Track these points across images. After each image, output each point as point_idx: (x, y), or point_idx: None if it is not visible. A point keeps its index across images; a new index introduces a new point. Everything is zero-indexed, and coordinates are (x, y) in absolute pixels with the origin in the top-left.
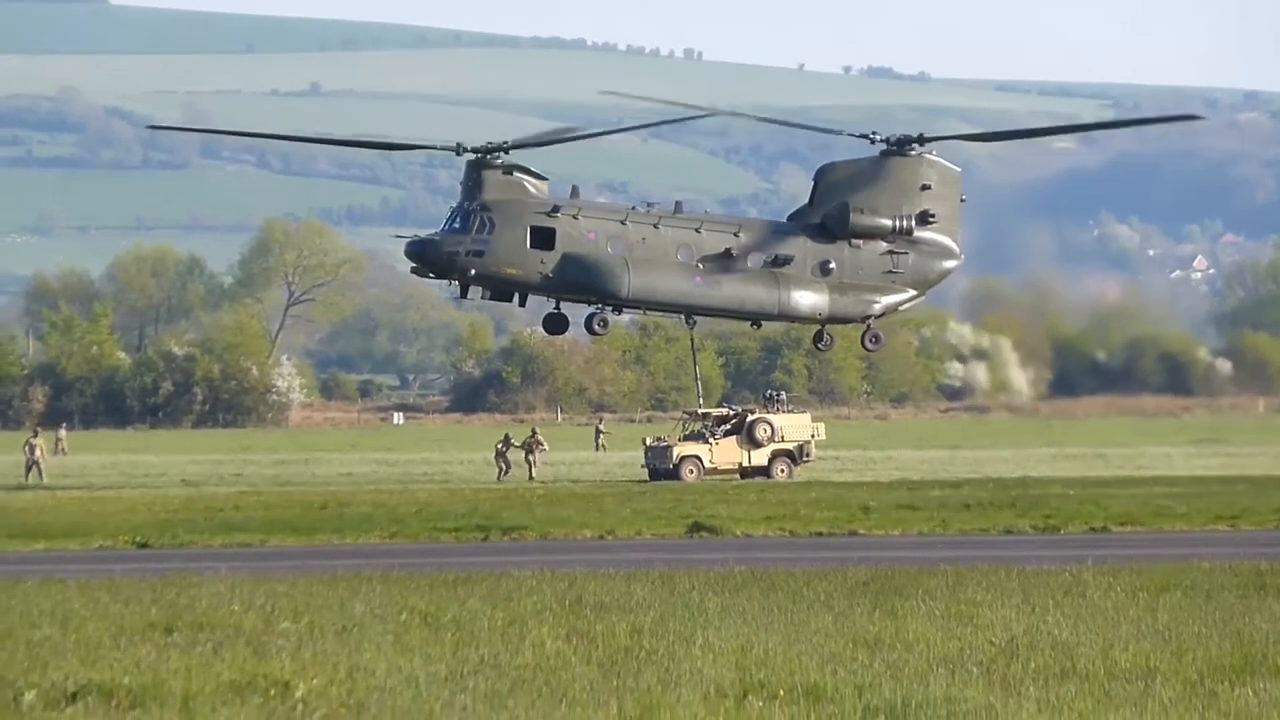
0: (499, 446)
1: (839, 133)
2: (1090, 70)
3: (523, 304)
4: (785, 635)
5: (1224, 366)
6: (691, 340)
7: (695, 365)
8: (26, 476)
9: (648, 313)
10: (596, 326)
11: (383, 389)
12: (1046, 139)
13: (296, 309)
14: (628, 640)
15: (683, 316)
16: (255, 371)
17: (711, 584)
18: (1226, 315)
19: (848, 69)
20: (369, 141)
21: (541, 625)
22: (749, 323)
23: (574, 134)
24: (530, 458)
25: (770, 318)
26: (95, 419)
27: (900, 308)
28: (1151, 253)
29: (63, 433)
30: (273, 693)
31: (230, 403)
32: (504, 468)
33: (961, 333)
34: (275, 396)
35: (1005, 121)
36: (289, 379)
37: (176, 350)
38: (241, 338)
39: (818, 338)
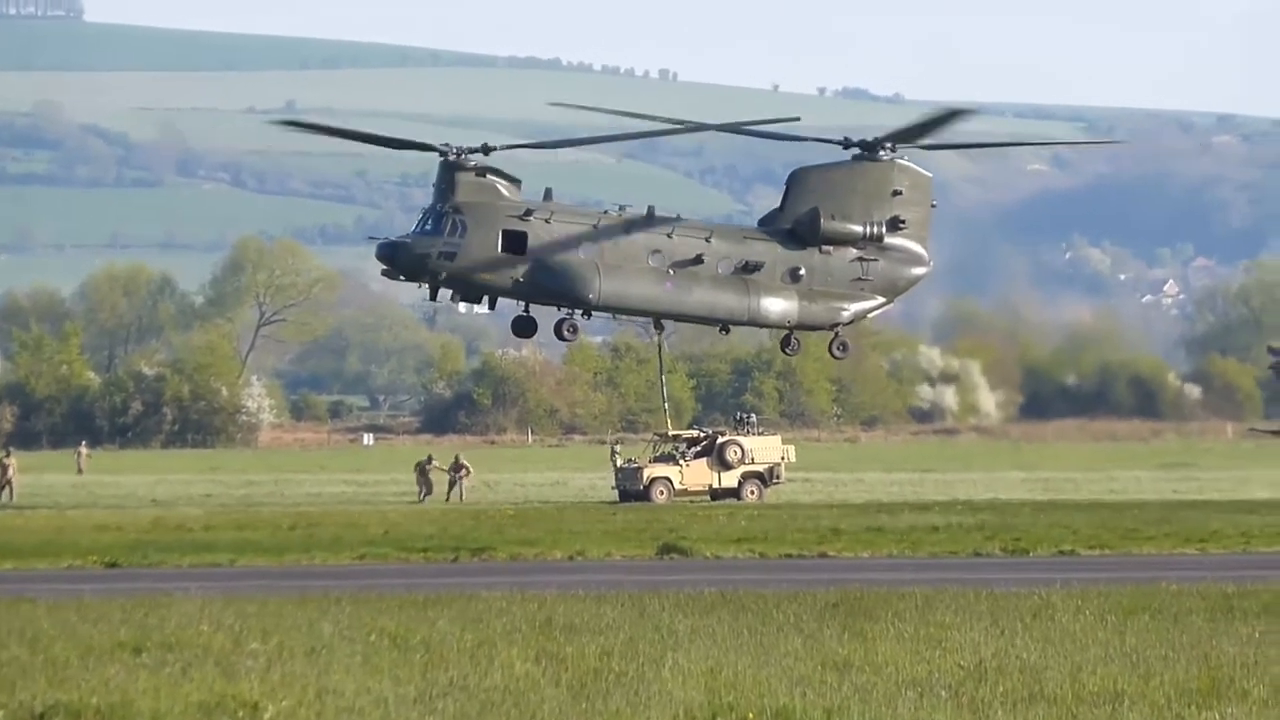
0: (423, 465)
1: (808, 138)
2: (1065, 93)
3: (492, 307)
4: (755, 657)
5: (1194, 391)
6: (660, 362)
7: (663, 387)
8: (8, 498)
9: (618, 318)
10: (566, 333)
11: (353, 410)
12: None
13: (267, 329)
14: (597, 662)
15: (652, 321)
16: (225, 392)
17: (681, 606)
18: (1197, 340)
19: (822, 90)
20: (351, 132)
21: (511, 647)
22: (718, 328)
23: (552, 142)
24: (455, 478)
25: (740, 323)
26: (64, 439)
27: (869, 314)
28: (1123, 277)
29: (84, 449)
30: (241, 714)
31: (200, 423)
32: (426, 488)
33: (932, 356)
34: (245, 417)
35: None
36: (259, 399)
37: (146, 370)
38: (212, 358)
39: (785, 342)
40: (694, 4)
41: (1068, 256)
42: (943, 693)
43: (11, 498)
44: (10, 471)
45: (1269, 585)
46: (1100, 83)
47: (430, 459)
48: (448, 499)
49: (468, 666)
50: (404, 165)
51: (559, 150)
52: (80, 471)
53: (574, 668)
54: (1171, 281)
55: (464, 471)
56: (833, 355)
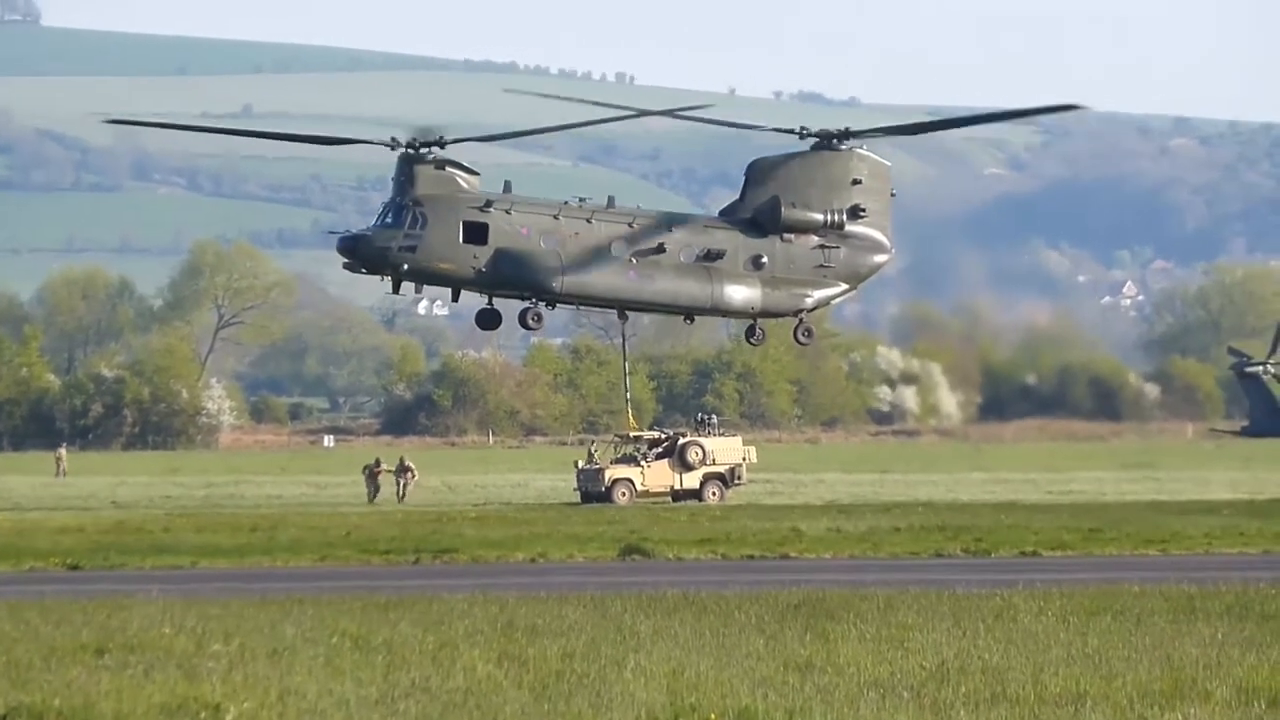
0: (370, 468)
1: (763, 128)
2: (1023, 97)
3: (455, 299)
4: (716, 659)
5: (1153, 391)
6: (624, 351)
7: (626, 376)
8: None
9: (580, 309)
10: (530, 321)
11: (313, 412)
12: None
13: (226, 332)
14: (559, 664)
15: (615, 312)
16: (185, 394)
17: (643, 607)
18: (1156, 341)
19: (778, 94)
20: (303, 136)
21: (473, 649)
22: (681, 316)
23: (508, 133)
24: (400, 480)
25: (704, 312)
26: (24, 441)
27: (832, 301)
28: (1082, 279)
29: (63, 452)
30: (203, 715)
31: (160, 425)
32: (374, 489)
33: (891, 357)
34: (205, 419)
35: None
36: (219, 402)
37: (106, 373)
38: (171, 360)
39: (749, 332)
40: (650, 7)
41: (1026, 259)
42: (905, 694)
43: None
44: None
45: (1231, 586)
46: (1056, 87)
47: (378, 461)
48: (400, 499)
49: (430, 668)
50: (359, 169)
51: (516, 153)
52: (61, 474)
53: (536, 669)
54: (1130, 283)
55: (409, 474)
56: (797, 341)
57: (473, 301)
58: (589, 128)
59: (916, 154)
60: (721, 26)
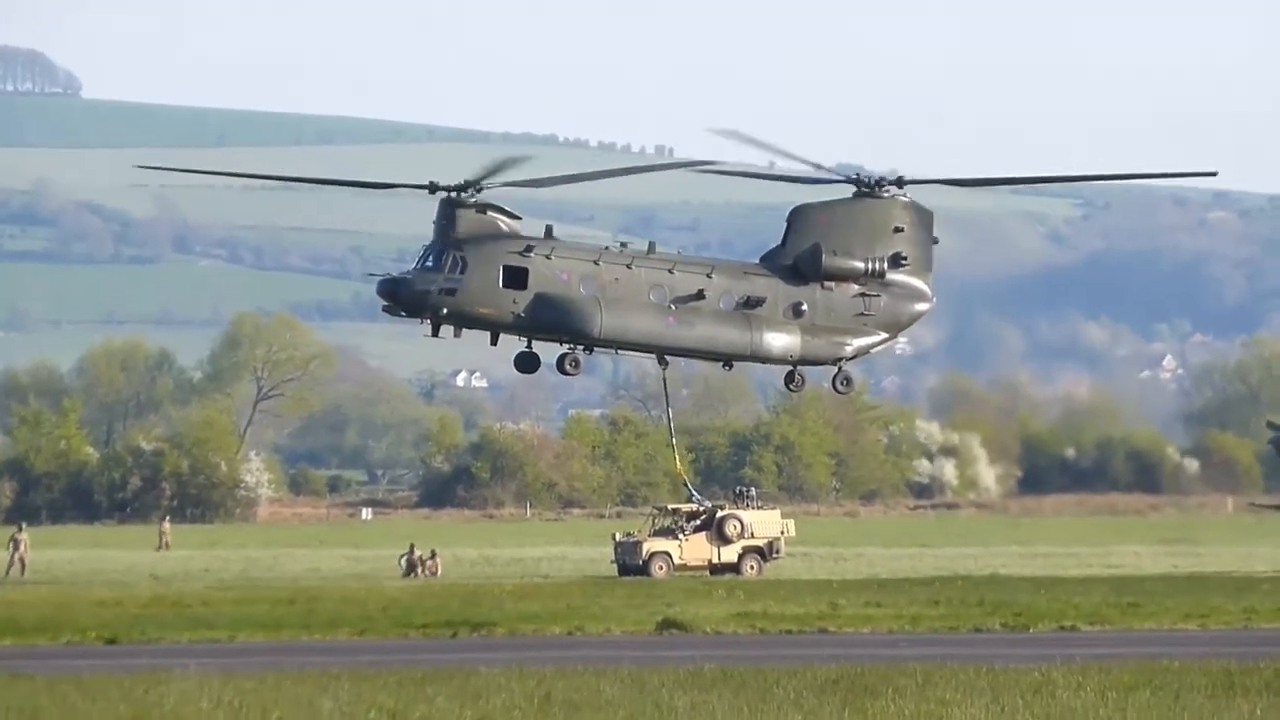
0: (409, 556)
1: (816, 181)
2: (1061, 168)
3: (494, 343)
4: None
5: (1192, 465)
6: (666, 396)
7: (669, 422)
8: (7, 573)
9: (620, 353)
10: (569, 367)
11: (351, 484)
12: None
13: (265, 404)
14: None
15: (655, 358)
16: (224, 467)
17: (681, 682)
18: (1195, 415)
19: (818, 166)
20: (344, 180)
21: None
22: (721, 364)
23: (550, 180)
24: (425, 562)
25: (742, 358)
26: (63, 514)
27: (872, 350)
28: (1121, 352)
29: (167, 525)
30: None
31: (199, 498)
32: (410, 569)
33: (930, 430)
34: (244, 492)
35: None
36: (257, 474)
37: (145, 445)
38: (210, 433)
39: (789, 379)
40: (691, 81)
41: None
42: None
43: (23, 573)
44: (23, 548)
45: (1271, 662)
46: (1096, 158)
47: (412, 548)
48: (427, 574)
49: None
50: (400, 241)
51: (557, 223)
52: (164, 547)
53: None
54: (1169, 357)
55: (434, 556)
56: (836, 390)
57: (512, 373)
58: (630, 200)
59: (956, 227)
60: (760, 102)
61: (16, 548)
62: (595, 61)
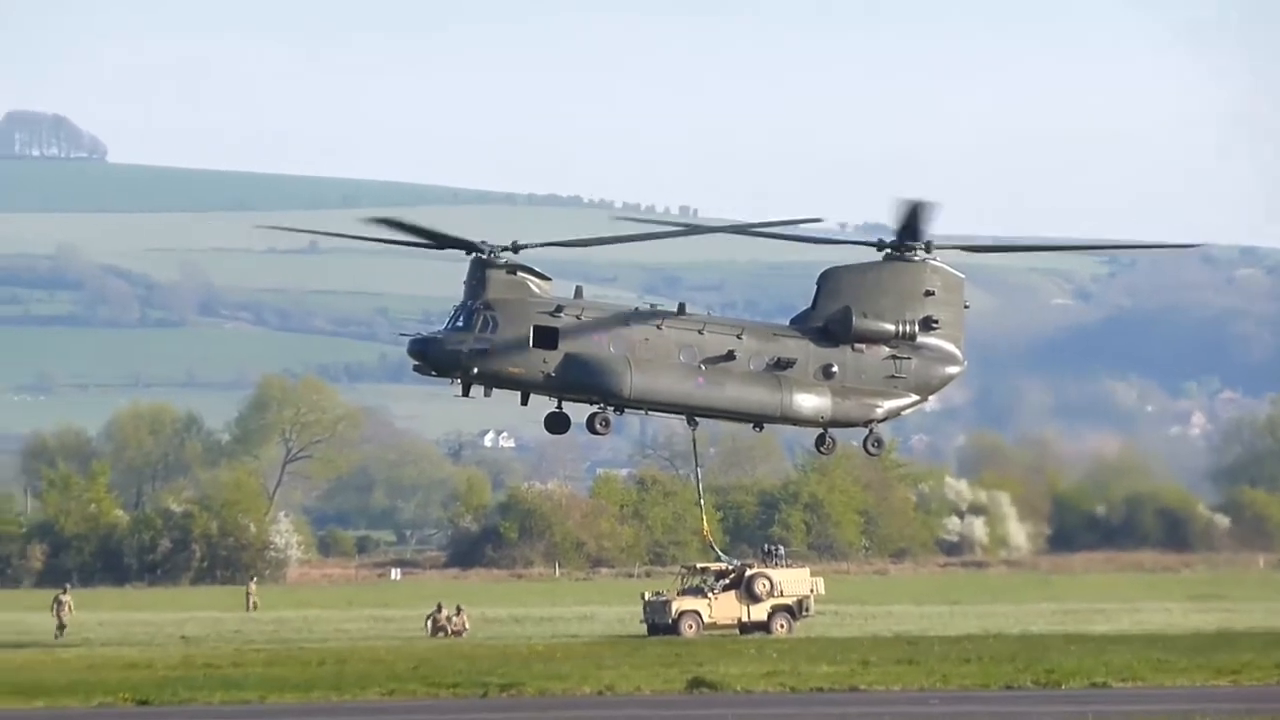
0: (435, 616)
1: (843, 242)
2: (1087, 227)
3: (524, 403)
4: None
5: (1222, 522)
6: (695, 456)
7: (698, 481)
8: (56, 635)
9: (650, 413)
10: (598, 426)
11: (380, 545)
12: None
13: (294, 465)
14: None
15: (685, 418)
16: (253, 528)
17: None
18: (1224, 471)
19: (843, 225)
20: (378, 237)
21: None
22: (751, 425)
23: (580, 240)
24: (455, 620)
25: (772, 420)
26: (93, 577)
27: (903, 412)
28: (1149, 409)
29: (253, 586)
30: None
31: (228, 559)
32: (436, 627)
33: (959, 488)
34: (273, 553)
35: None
36: (286, 535)
37: (174, 507)
38: (239, 494)
39: (819, 441)
40: (714, 142)
41: (1092, 390)
42: None
43: (61, 634)
44: (67, 609)
45: None
46: (1123, 216)
47: (439, 607)
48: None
49: None
50: (425, 303)
51: (581, 282)
52: (252, 608)
53: None
54: (1198, 413)
55: (459, 612)
56: (867, 451)
57: (540, 433)
58: (654, 260)
59: (983, 285)
60: (781, 159)
61: (60, 608)
62: (619, 124)
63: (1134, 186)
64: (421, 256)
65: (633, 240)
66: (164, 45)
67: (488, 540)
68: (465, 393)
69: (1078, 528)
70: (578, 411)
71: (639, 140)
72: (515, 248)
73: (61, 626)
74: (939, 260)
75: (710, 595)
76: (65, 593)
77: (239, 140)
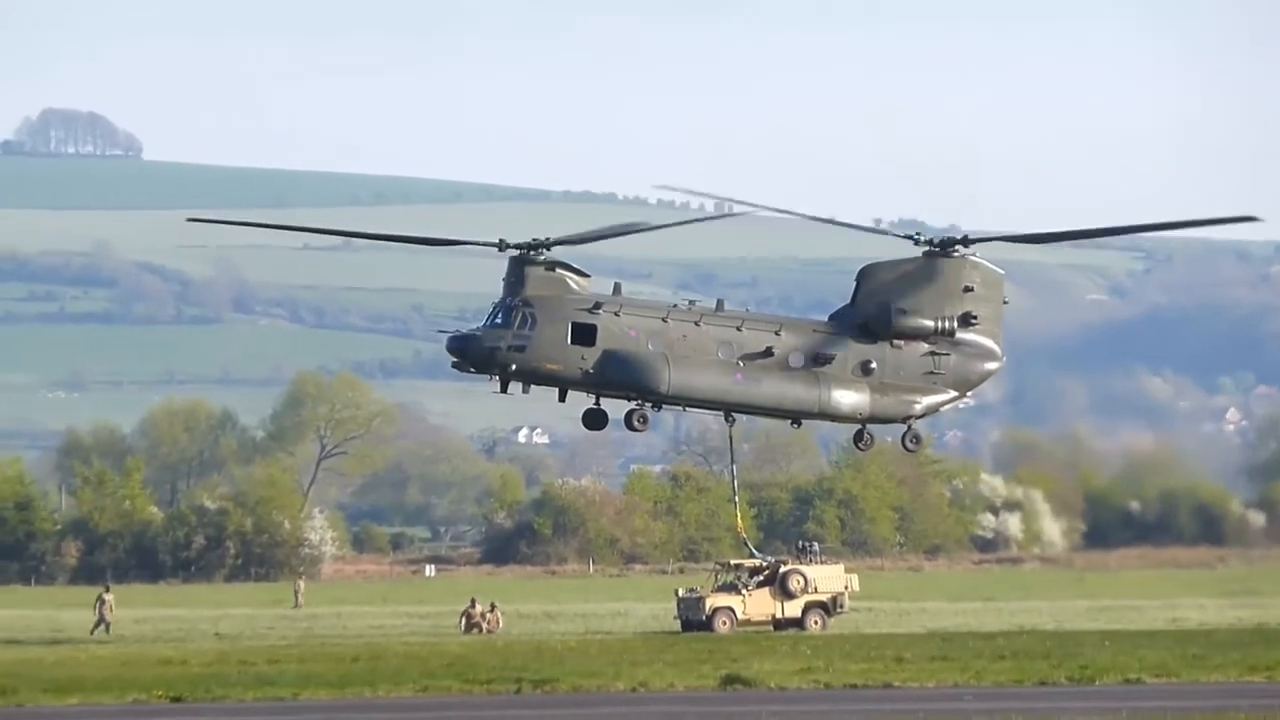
0: (469, 611)
1: (884, 232)
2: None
3: (562, 399)
4: None
5: (1257, 518)
6: (731, 454)
7: (733, 479)
8: (94, 631)
9: (688, 409)
10: (636, 423)
11: (414, 541)
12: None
13: (328, 462)
14: None
15: (723, 415)
16: (287, 525)
17: None
18: (1259, 467)
19: (878, 220)
20: (412, 238)
21: None
22: (789, 421)
23: (615, 231)
24: (489, 617)
25: (811, 416)
26: (127, 573)
27: (941, 408)
28: (1184, 405)
29: (301, 584)
30: None
31: (263, 556)
32: (469, 626)
33: (994, 484)
34: (307, 550)
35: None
36: (321, 532)
37: (209, 504)
38: (273, 491)
39: (858, 437)
40: (748, 135)
41: (1127, 386)
42: None
43: (108, 632)
44: (109, 607)
45: None
46: (1158, 213)
47: (473, 602)
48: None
49: None
50: (461, 300)
51: (616, 279)
52: (299, 604)
53: None
54: (1233, 409)
55: (493, 609)
56: (905, 448)
57: (574, 429)
58: (687, 254)
59: (1018, 281)
60: (820, 155)
61: (102, 606)
62: (655, 120)
63: (1166, 184)
64: (455, 254)
65: (662, 228)
66: (200, 42)
67: (521, 536)
68: (503, 389)
69: (1112, 524)
70: (615, 408)
71: (673, 135)
72: (549, 244)
73: (105, 624)
74: (978, 256)
75: (744, 592)
76: (108, 590)
77: (273, 138)
